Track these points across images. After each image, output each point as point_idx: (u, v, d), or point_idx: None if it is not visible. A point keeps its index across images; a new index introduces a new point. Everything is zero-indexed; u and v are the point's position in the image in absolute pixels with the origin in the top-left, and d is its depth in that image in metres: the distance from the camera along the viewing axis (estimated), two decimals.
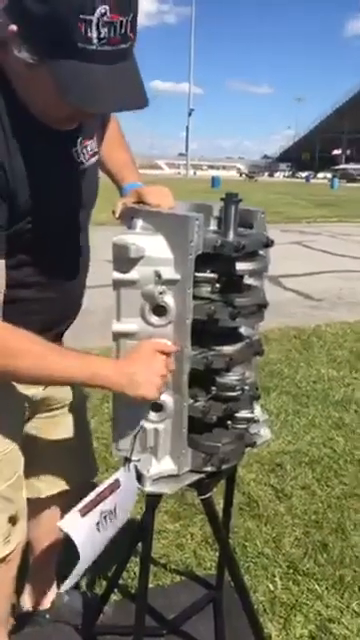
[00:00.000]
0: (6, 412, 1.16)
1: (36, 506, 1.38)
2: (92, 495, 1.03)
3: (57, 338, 1.26)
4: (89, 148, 1.13)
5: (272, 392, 3.40)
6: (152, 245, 1.02)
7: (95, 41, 0.82)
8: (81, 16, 0.79)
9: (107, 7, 0.80)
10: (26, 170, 0.98)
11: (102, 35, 0.82)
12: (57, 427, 1.36)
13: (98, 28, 0.81)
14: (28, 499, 1.32)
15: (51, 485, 1.40)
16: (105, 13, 0.80)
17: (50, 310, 1.17)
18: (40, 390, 1.25)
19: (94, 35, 0.81)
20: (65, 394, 1.35)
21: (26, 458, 1.26)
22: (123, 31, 0.84)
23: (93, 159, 1.15)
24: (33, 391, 1.23)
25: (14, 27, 0.85)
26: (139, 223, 1.08)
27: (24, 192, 0.99)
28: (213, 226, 1.18)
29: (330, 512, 2.25)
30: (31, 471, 1.33)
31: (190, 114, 59.27)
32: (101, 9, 0.79)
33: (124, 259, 1.01)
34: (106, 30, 0.81)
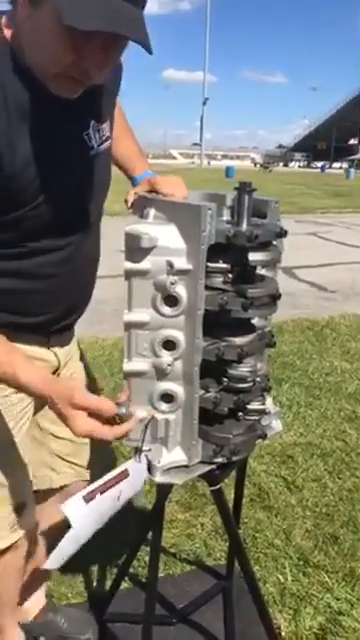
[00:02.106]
0: (8, 403, 1.16)
1: (45, 497, 1.38)
2: (99, 482, 1.02)
3: (66, 329, 1.25)
4: (101, 133, 1.10)
5: (284, 384, 3.39)
6: (164, 235, 1.01)
7: None
8: None
9: None
10: (32, 154, 0.96)
11: None
12: None
13: None
14: (39, 490, 1.33)
15: (63, 475, 1.39)
16: None
17: (59, 301, 1.16)
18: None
19: None
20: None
21: (37, 447, 1.27)
22: None
23: (105, 144, 1.12)
24: None
25: None
26: (151, 213, 1.07)
27: (26, 176, 0.96)
28: (226, 216, 1.17)
29: (341, 505, 2.24)
30: (42, 460, 1.34)
31: (205, 103, 58.78)
32: None
33: (136, 249, 1.00)
34: None
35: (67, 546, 0.96)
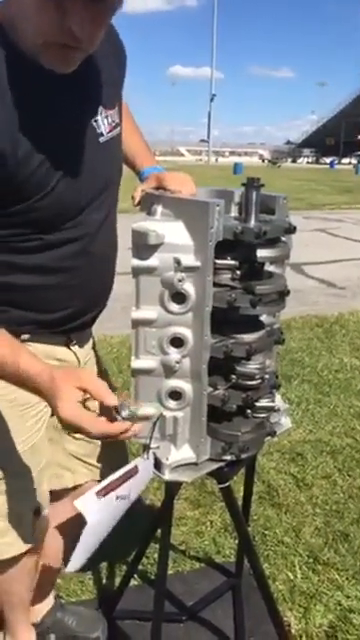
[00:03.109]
0: (28, 404, 1.15)
1: (58, 497, 1.36)
2: (111, 478, 1.02)
3: (86, 326, 1.22)
4: (110, 119, 1.08)
5: (293, 381, 3.38)
6: (172, 232, 1.01)
7: None
8: None
9: None
10: (36, 144, 0.93)
11: None
12: None
13: None
14: (53, 490, 1.32)
15: (78, 475, 1.37)
16: None
17: (77, 295, 1.13)
18: None
19: None
20: None
21: (53, 448, 1.26)
22: None
23: (114, 131, 1.10)
24: None
25: None
26: (159, 209, 1.06)
27: (28, 169, 0.94)
28: (234, 212, 1.16)
29: (351, 502, 2.23)
30: (58, 461, 1.33)
31: (212, 99, 58.57)
32: None
33: (143, 246, 1.00)
34: None
35: (84, 546, 0.96)
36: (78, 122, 1.02)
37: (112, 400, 0.91)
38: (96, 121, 1.05)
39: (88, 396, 0.92)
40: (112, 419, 0.91)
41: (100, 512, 0.97)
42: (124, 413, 0.91)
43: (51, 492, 1.31)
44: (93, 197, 1.08)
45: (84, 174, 1.03)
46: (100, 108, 1.06)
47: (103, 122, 1.06)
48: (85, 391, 0.90)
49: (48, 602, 1.55)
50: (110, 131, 1.09)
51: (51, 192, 0.98)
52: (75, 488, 1.38)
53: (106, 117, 1.07)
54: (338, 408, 3.06)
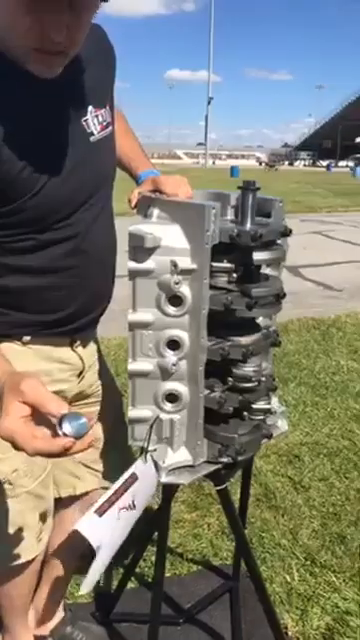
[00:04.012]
0: None
1: (66, 504, 1.35)
2: (109, 493, 1.01)
3: (87, 327, 1.20)
4: (101, 118, 1.08)
5: (290, 383, 3.38)
6: (168, 234, 1.01)
7: None
8: None
9: None
10: (23, 143, 0.93)
11: None
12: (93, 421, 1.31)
13: None
14: (61, 497, 1.31)
15: (87, 482, 1.35)
16: None
17: (77, 295, 1.12)
18: (73, 385, 1.22)
19: None
20: (99, 387, 1.31)
21: None
22: None
23: (106, 131, 1.09)
24: (65, 386, 1.19)
25: None
26: (155, 212, 1.07)
27: (14, 169, 0.93)
28: (230, 215, 1.16)
29: (348, 504, 2.23)
30: (64, 468, 1.32)
31: (209, 103, 58.69)
32: None
33: (140, 249, 1.00)
34: None
35: (98, 565, 0.95)
36: (65, 123, 1.02)
37: (55, 410, 0.75)
38: (86, 121, 1.05)
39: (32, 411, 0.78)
40: (55, 434, 0.76)
41: (104, 530, 0.95)
42: (65, 428, 0.74)
43: (59, 499, 1.31)
44: (85, 196, 1.07)
45: (74, 173, 1.03)
46: (90, 108, 1.06)
47: (93, 122, 1.07)
48: (30, 405, 0.76)
49: (58, 614, 1.53)
50: (101, 130, 1.09)
51: (39, 192, 0.97)
52: (82, 495, 1.36)
53: (96, 116, 1.07)
54: (335, 410, 3.07)
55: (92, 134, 1.06)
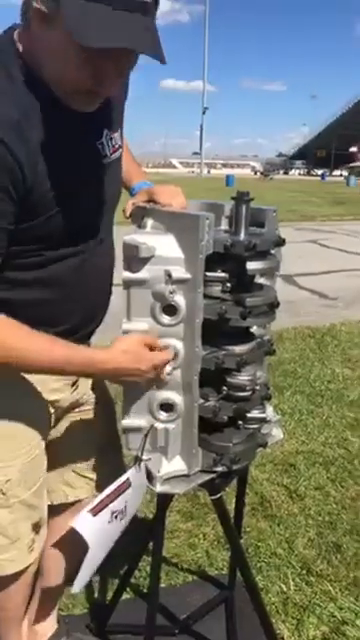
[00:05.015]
0: (31, 417, 1.14)
1: (58, 512, 1.35)
2: (103, 495, 1.03)
3: (84, 339, 1.22)
4: (114, 142, 1.12)
5: (286, 392, 3.39)
6: (163, 244, 1.02)
7: None
8: None
9: None
10: (48, 163, 0.97)
11: None
12: (85, 428, 1.32)
13: None
14: (53, 504, 1.30)
15: (79, 489, 1.35)
16: None
17: (76, 309, 1.15)
18: (68, 394, 1.22)
19: None
20: (92, 395, 1.32)
21: (51, 461, 1.24)
22: None
23: (117, 153, 1.14)
24: (60, 396, 1.20)
25: None
26: (149, 222, 1.08)
27: (44, 185, 0.97)
28: (224, 225, 1.18)
29: (344, 513, 2.23)
30: (57, 475, 1.32)
31: (204, 112, 59.06)
32: None
33: (134, 258, 1.01)
34: None
35: (88, 565, 0.96)
36: (84, 145, 1.06)
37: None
38: (101, 143, 1.09)
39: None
40: None
41: (97, 530, 0.97)
42: None
43: (51, 507, 1.30)
44: (95, 215, 1.11)
45: (88, 193, 1.07)
46: (105, 131, 1.10)
47: (107, 144, 1.10)
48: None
49: (51, 625, 1.51)
50: (113, 152, 1.12)
51: (61, 210, 1.00)
52: (74, 503, 1.36)
53: (110, 139, 1.11)
54: (330, 419, 3.07)
55: (106, 156, 1.10)
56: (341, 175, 57.14)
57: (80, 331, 1.18)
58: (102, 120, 1.09)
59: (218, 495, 1.18)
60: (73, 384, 1.23)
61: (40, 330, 1.10)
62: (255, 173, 67.81)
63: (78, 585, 0.99)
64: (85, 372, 1.09)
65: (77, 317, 1.16)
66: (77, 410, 1.30)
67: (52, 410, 1.21)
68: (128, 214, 1.15)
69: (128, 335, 1.05)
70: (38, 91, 0.95)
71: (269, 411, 1.25)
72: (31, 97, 0.95)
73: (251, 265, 1.05)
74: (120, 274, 1.06)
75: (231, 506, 1.44)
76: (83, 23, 0.83)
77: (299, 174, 76.10)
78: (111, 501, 1.02)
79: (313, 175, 66.12)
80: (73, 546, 0.97)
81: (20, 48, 0.96)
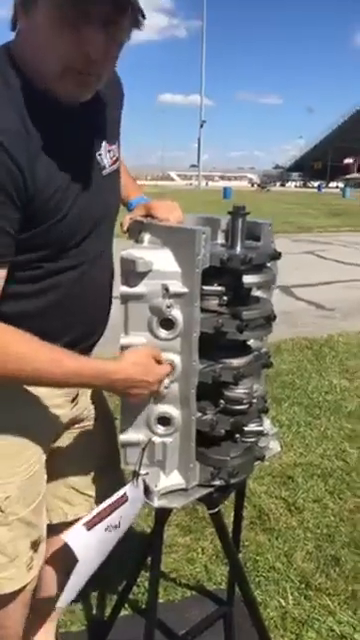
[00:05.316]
0: (31, 433, 1.14)
1: (57, 530, 1.31)
2: (99, 509, 1.02)
3: (84, 353, 1.19)
4: (112, 154, 1.14)
5: (284, 403, 3.38)
6: (159, 259, 1.03)
7: None
8: None
9: None
10: (48, 171, 0.97)
11: None
12: (84, 444, 1.31)
13: None
14: (51, 523, 1.29)
15: (78, 507, 1.33)
16: None
17: (75, 324, 1.14)
18: (68, 410, 1.22)
19: None
20: (93, 411, 1.31)
21: (51, 478, 1.23)
22: None
23: (114, 166, 1.15)
24: (60, 412, 1.20)
25: None
26: (147, 237, 1.08)
27: (45, 193, 0.97)
28: (221, 239, 1.18)
29: (343, 526, 2.22)
30: (56, 493, 1.31)
31: (202, 126, 59.56)
32: None
33: (132, 273, 1.02)
34: None
35: (75, 580, 0.95)
36: (86, 155, 1.07)
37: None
38: (100, 155, 1.10)
39: None
40: None
41: (90, 544, 0.96)
42: None
43: (50, 525, 1.29)
44: (94, 226, 1.11)
45: (89, 203, 1.07)
46: (104, 143, 1.11)
47: (106, 156, 1.12)
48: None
49: None
50: (112, 164, 1.14)
51: (62, 219, 1.01)
52: (74, 522, 1.35)
53: (108, 151, 1.12)
54: (328, 430, 3.07)
55: (104, 167, 1.11)
56: (337, 187, 57.52)
57: (80, 344, 1.17)
58: (100, 132, 1.10)
59: (216, 509, 1.18)
60: (73, 400, 1.23)
61: None
62: (252, 185, 68.21)
63: (64, 600, 0.97)
64: (93, 383, 1.08)
65: (77, 330, 1.15)
66: (77, 426, 1.29)
67: (52, 426, 1.20)
68: (125, 228, 1.16)
69: (137, 348, 1.05)
70: (35, 98, 0.95)
71: (266, 424, 1.25)
72: (29, 105, 0.95)
73: (247, 279, 1.06)
74: (119, 287, 1.07)
75: (229, 519, 1.44)
76: None
77: (295, 186, 76.57)
78: (107, 515, 1.02)
79: (309, 187, 66.54)
80: (71, 562, 0.96)
81: (14, 56, 0.96)
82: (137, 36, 0.95)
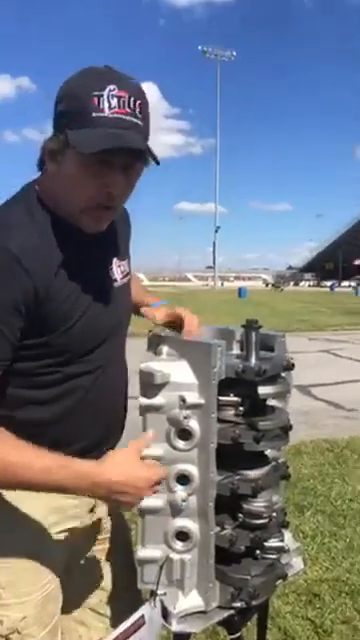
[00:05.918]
0: (47, 550, 1.12)
1: None
2: (116, 632, 0.98)
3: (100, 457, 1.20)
4: (122, 268, 1.24)
5: (306, 511, 3.23)
6: (177, 370, 1.06)
7: (107, 110, 0.98)
8: (94, 93, 0.98)
9: (114, 86, 0.99)
10: (63, 284, 1.06)
11: (112, 105, 0.99)
12: (101, 561, 1.28)
13: (109, 100, 0.99)
14: None
15: (94, 630, 1.28)
16: (113, 89, 0.99)
17: (90, 429, 1.17)
18: (87, 520, 1.20)
19: (105, 105, 0.98)
20: (108, 521, 1.29)
21: (66, 597, 1.19)
22: (132, 106, 1.00)
23: (125, 279, 1.24)
24: (79, 522, 1.18)
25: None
26: (165, 349, 1.13)
27: (57, 303, 1.05)
28: (236, 349, 1.23)
29: None
30: (71, 613, 1.26)
31: (217, 231, 62.50)
32: (110, 87, 0.99)
33: (150, 385, 1.05)
34: (115, 101, 0.99)
35: None
36: (97, 270, 1.17)
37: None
38: (111, 269, 1.21)
39: None
40: None
41: None
42: None
43: None
44: (108, 333, 1.18)
45: (101, 313, 1.15)
46: (115, 259, 1.22)
47: (117, 270, 1.22)
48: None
49: None
50: (122, 278, 1.24)
51: (73, 326, 1.08)
52: None
53: (119, 266, 1.23)
54: (355, 541, 2.90)
55: (115, 280, 1.21)
56: (349, 286, 58.66)
57: (96, 449, 1.17)
58: (111, 250, 1.22)
59: (238, 634, 1.11)
60: (91, 510, 1.21)
61: (56, 449, 1.11)
62: (266, 285, 69.96)
63: None
64: (79, 486, 1.02)
65: (91, 437, 1.17)
66: (95, 539, 1.27)
67: (68, 539, 1.18)
68: (157, 319, 1.26)
69: (120, 449, 1.07)
70: (54, 225, 1.07)
71: (288, 539, 1.21)
72: (48, 230, 1.07)
73: (262, 389, 1.08)
74: (135, 389, 1.09)
75: None
76: (85, 138, 0.98)
77: (309, 285, 78.35)
78: (124, 639, 0.97)
79: (322, 286, 67.96)
80: None
81: (39, 191, 1.10)
82: (158, 154, 1.08)
